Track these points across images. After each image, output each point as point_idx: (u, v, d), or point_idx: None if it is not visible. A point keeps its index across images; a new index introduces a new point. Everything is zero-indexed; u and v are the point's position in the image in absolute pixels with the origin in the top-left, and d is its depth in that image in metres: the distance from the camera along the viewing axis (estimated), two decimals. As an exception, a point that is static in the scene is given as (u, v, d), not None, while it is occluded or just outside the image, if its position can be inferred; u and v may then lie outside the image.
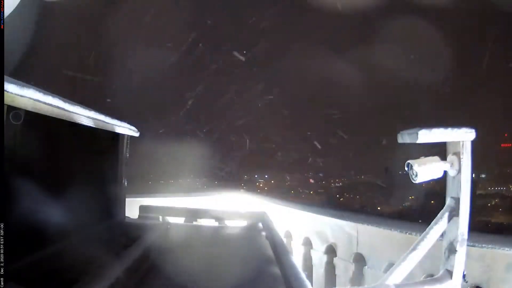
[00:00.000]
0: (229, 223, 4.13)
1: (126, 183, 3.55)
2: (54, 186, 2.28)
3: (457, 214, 2.26)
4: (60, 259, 2.09)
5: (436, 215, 2.36)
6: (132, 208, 3.92)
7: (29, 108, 1.45)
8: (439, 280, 2.26)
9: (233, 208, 5.74)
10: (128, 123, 3.33)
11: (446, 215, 2.29)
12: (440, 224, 2.28)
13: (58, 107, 1.64)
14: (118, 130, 2.97)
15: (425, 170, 2.17)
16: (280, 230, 3.66)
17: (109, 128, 2.68)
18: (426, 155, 2.25)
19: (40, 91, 1.47)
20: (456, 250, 2.22)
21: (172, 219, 4.33)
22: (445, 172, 2.30)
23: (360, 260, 4.06)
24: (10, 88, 1.27)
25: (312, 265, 4.79)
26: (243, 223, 3.94)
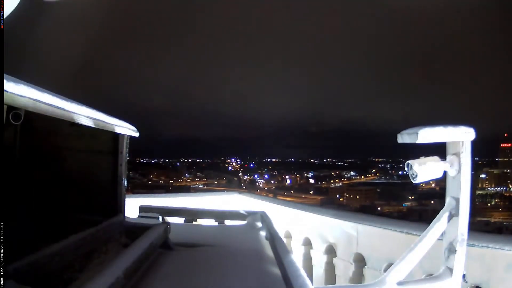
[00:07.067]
0: (229, 223, 4.13)
1: (125, 183, 3.55)
2: (54, 185, 2.28)
3: (457, 214, 2.27)
4: (59, 259, 2.09)
5: (436, 215, 2.36)
6: (131, 208, 3.92)
7: (29, 108, 1.44)
8: (440, 277, 2.26)
9: (233, 208, 5.74)
10: (129, 123, 3.33)
11: (446, 215, 2.29)
12: (440, 224, 2.29)
13: (58, 107, 1.64)
14: (118, 130, 2.97)
15: (425, 170, 2.17)
16: (280, 230, 3.66)
17: (109, 128, 2.68)
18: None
19: (40, 91, 1.47)
20: (456, 250, 2.23)
21: (172, 219, 4.33)
22: (445, 172, 2.31)
23: (360, 260, 4.07)
24: (10, 88, 1.27)
25: (312, 265, 4.79)
26: (242, 223, 3.93)
